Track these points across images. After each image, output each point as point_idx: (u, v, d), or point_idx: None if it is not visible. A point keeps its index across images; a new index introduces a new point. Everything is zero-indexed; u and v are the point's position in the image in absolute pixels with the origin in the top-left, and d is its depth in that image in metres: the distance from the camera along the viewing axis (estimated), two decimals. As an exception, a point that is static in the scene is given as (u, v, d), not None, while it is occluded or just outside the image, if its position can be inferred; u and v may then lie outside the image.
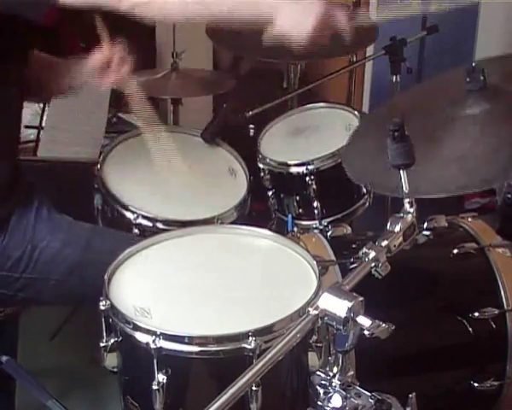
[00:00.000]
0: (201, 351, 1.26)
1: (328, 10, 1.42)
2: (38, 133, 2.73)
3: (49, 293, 1.65)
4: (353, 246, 1.78)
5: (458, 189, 1.40)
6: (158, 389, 1.27)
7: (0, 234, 1.61)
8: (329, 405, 1.16)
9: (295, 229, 2.03)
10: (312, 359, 1.35)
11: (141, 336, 1.28)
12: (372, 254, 1.18)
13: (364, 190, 2.11)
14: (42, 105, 2.98)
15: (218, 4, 1.41)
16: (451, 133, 1.46)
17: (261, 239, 1.58)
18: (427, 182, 1.37)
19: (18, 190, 1.64)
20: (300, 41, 1.43)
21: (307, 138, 2.17)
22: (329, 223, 2.02)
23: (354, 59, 2.69)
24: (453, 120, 1.48)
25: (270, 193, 2.12)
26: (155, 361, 1.26)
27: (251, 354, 1.24)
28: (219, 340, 1.26)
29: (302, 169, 2.00)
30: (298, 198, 2.08)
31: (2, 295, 1.64)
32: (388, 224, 1.23)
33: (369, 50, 2.95)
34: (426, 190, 1.36)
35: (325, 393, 1.18)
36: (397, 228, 1.22)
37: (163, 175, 1.82)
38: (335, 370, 1.17)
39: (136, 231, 1.81)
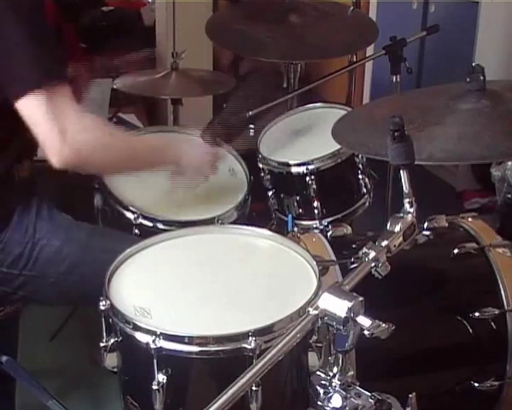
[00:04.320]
0: (201, 351, 1.26)
1: (214, 154, 1.85)
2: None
3: (49, 291, 1.65)
4: (353, 246, 1.78)
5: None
6: (158, 389, 1.27)
7: (1, 231, 1.61)
8: (329, 405, 1.16)
9: (295, 229, 2.03)
10: (312, 359, 1.35)
11: (141, 336, 1.28)
12: (372, 254, 1.18)
13: (364, 190, 2.11)
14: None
15: (141, 161, 1.70)
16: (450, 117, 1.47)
17: (261, 239, 1.58)
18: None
19: (19, 189, 1.64)
20: (200, 176, 1.83)
21: (307, 138, 2.17)
22: (329, 223, 2.02)
23: (354, 59, 2.69)
24: (452, 112, 1.49)
25: (270, 193, 2.12)
26: (155, 361, 1.26)
27: (251, 354, 1.24)
28: (219, 340, 1.26)
29: (302, 169, 2.00)
30: (298, 198, 2.08)
31: (2, 292, 1.64)
32: (388, 224, 1.23)
33: (369, 50, 2.95)
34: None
35: (325, 393, 1.18)
36: (397, 228, 1.22)
37: (164, 176, 1.82)
38: (335, 370, 1.17)
39: (136, 231, 1.81)
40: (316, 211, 2.02)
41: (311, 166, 1.99)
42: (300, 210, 2.09)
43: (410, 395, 1.21)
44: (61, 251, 1.64)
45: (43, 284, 1.64)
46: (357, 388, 1.18)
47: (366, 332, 1.08)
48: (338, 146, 1.92)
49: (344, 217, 2.07)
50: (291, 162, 2.02)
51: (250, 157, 2.10)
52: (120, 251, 1.50)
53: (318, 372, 1.21)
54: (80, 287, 1.64)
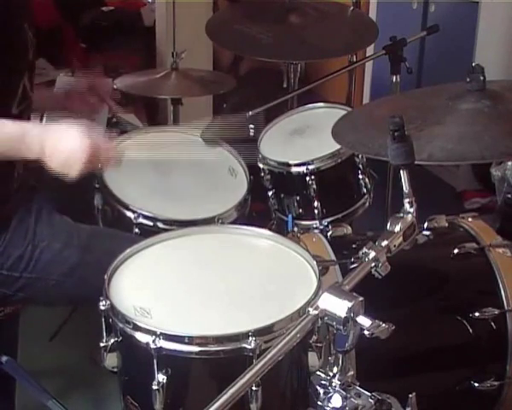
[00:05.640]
0: (201, 351, 1.26)
1: (94, 148, 1.51)
2: (38, 133, 2.71)
3: (49, 293, 1.65)
4: (353, 246, 1.78)
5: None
6: (158, 389, 1.27)
7: (1, 233, 1.61)
8: (329, 405, 1.16)
9: (295, 229, 2.03)
10: (312, 359, 1.35)
11: (141, 336, 1.28)
12: (372, 254, 1.18)
13: (364, 190, 2.11)
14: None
15: None
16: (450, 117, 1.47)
17: (261, 239, 1.58)
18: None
19: (19, 192, 1.64)
20: (72, 177, 1.52)
21: (307, 138, 2.17)
22: (329, 223, 2.02)
23: (354, 59, 2.69)
24: (452, 112, 1.49)
25: (270, 193, 2.12)
26: (155, 361, 1.26)
27: (251, 354, 1.24)
28: (219, 340, 1.26)
29: (302, 169, 2.00)
30: (298, 198, 2.08)
31: (2, 294, 1.64)
32: (388, 224, 1.23)
33: (369, 50, 2.96)
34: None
35: (325, 393, 1.18)
36: (397, 228, 1.22)
37: (164, 174, 1.82)
38: (335, 370, 1.17)
39: (136, 230, 1.81)
40: (316, 211, 2.03)
41: (311, 166, 1.99)
42: (300, 210, 2.09)
43: (410, 395, 1.21)
44: (62, 253, 1.64)
45: (44, 286, 1.64)
46: (357, 388, 1.18)
47: (366, 332, 1.08)
48: (338, 146, 1.92)
49: (344, 217, 2.07)
50: (291, 162, 2.02)
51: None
52: (120, 251, 1.50)
53: (318, 372, 1.21)
54: (81, 288, 1.64)
